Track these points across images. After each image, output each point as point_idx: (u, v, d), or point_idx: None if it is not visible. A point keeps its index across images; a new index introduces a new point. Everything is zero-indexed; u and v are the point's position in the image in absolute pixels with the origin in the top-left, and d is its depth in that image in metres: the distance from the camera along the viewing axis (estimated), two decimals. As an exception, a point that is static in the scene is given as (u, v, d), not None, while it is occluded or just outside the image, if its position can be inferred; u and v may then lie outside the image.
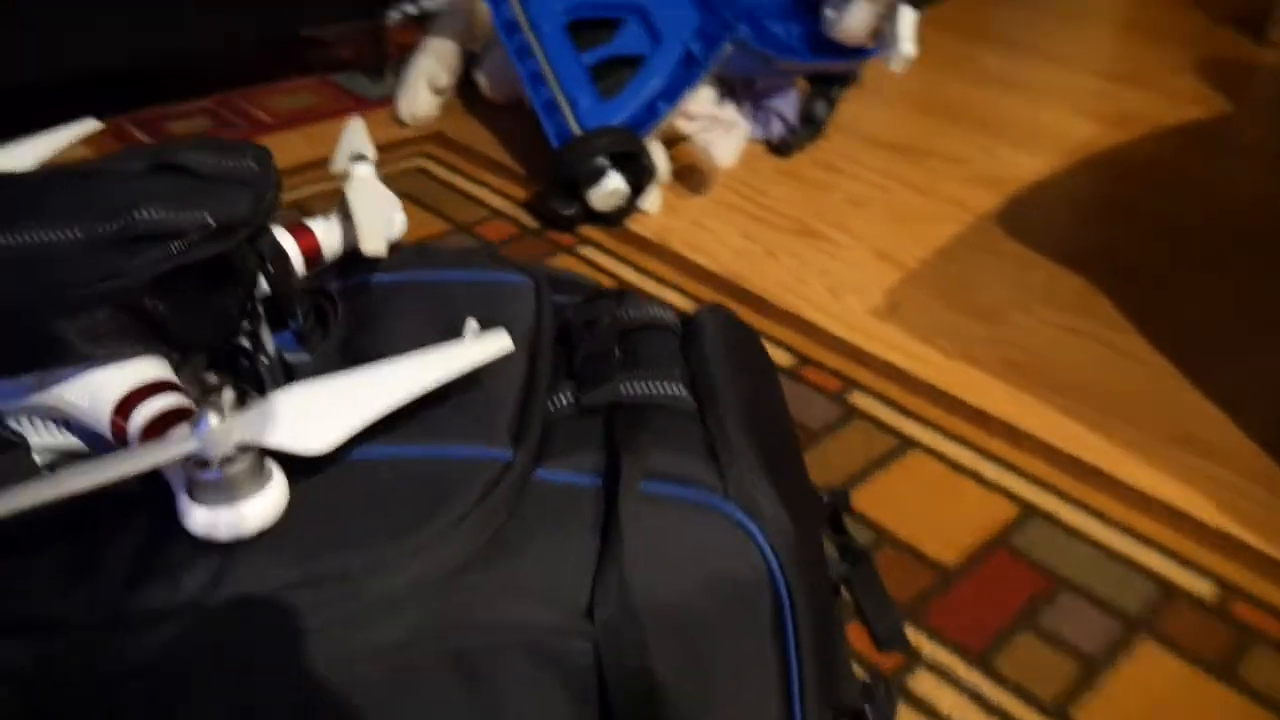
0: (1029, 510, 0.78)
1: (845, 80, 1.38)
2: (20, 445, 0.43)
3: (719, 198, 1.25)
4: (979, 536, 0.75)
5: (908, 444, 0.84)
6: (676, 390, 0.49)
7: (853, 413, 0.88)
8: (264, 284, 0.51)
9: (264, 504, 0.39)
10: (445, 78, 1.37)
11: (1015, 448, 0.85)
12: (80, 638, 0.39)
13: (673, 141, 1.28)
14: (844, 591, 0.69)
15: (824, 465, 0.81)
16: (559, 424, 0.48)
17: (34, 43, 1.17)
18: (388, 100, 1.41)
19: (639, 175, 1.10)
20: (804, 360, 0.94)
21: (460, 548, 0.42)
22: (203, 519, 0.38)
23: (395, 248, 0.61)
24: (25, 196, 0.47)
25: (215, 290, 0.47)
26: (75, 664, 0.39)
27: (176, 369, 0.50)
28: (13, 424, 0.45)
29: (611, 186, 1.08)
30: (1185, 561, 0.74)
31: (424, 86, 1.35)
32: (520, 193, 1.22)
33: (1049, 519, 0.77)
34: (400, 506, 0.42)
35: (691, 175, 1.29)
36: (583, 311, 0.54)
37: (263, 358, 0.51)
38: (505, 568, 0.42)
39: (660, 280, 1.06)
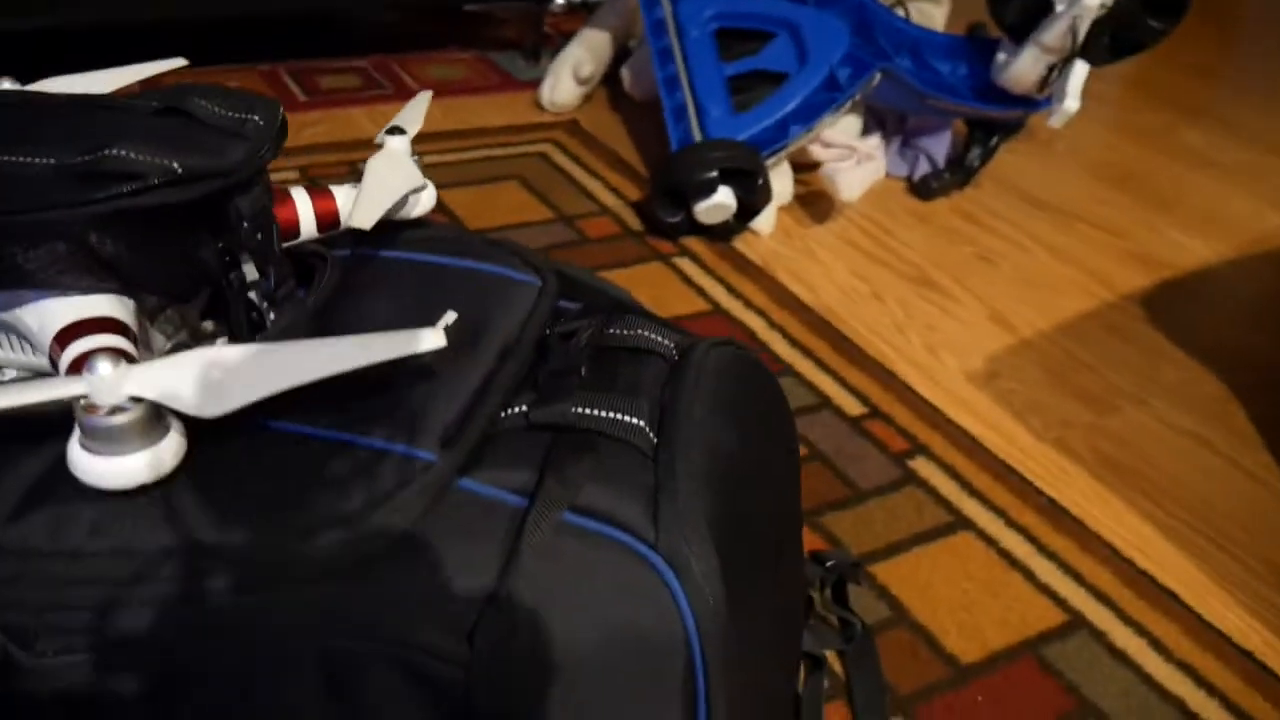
0: (1076, 621, 0.70)
1: (1009, 129, 1.30)
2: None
3: (840, 231, 1.19)
4: (1009, 638, 0.68)
5: (962, 523, 0.77)
6: (635, 422, 0.45)
7: (910, 478, 0.81)
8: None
9: (152, 459, 0.38)
10: (590, 68, 1.36)
11: (1081, 550, 0.76)
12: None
13: (804, 166, 1.23)
14: (840, 667, 0.64)
15: (863, 528, 0.75)
16: (503, 435, 0.45)
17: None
18: (537, 84, 1.41)
19: (751, 194, 1.06)
20: (874, 412, 0.88)
21: (349, 542, 0.39)
22: (85, 464, 0.38)
23: (421, 225, 0.60)
24: (34, 117, 0.48)
25: (185, 240, 0.46)
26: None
27: (156, 314, 0.50)
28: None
29: (719, 201, 1.05)
30: (1246, 721, 0.65)
31: (568, 74, 1.35)
32: (634, 193, 1.19)
33: (1097, 635, 0.69)
34: (297, 487, 0.40)
35: (817, 203, 1.23)
36: (568, 322, 0.51)
37: (242, 314, 0.50)
38: (397, 572, 0.40)
39: (748, 304, 1.01)
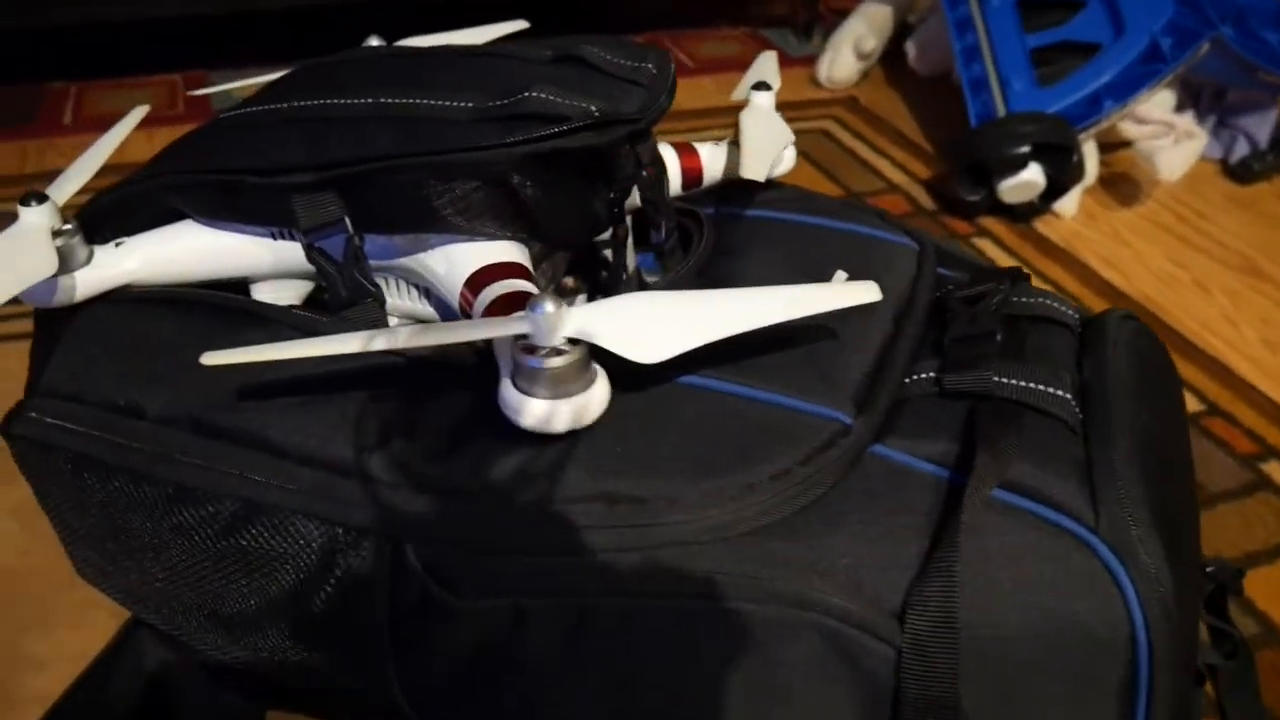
0: None
1: (1343, 106, 1.16)
2: (376, 298, 0.44)
3: (1149, 214, 1.10)
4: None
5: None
6: (1061, 394, 0.41)
7: (1264, 483, 0.73)
8: (635, 196, 0.49)
9: (581, 405, 0.37)
10: (872, 42, 1.31)
11: None
12: (379, 493, 0.39)
13: (1111, 145, 1.14)
14: (1208, 684, 0.57)
15: (1215, 535, 0.68)
16: (912, 402, 0.42)
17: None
18: (810, 60, 1.38)
19: (1062, 172, 0.99)
20: (1214, 410, 0.80)
21: (769, 506, 0.37)
22: (516, 403, 0.37)
23: (778, 186, 0.57)
24: (424, 64, 0.49)
25: (587, 187, 0.46)
26: (367, 514, 0.39)
27: (536, 263, 0.49)
28: (379, 279, 0.46)
29: (1027, 178, 0.98)
30: None
31: (849, 49, 1.30)
32: (923, 171, 1.14)
33: None
34: (716, 446, 0.39)
35: (1122, 184, 1.14)
36: (967, 286, 0.47)
37: (622, 270, 0.49)
38: (814, 540, 0.38)
39: (1058, 289, 0.94)
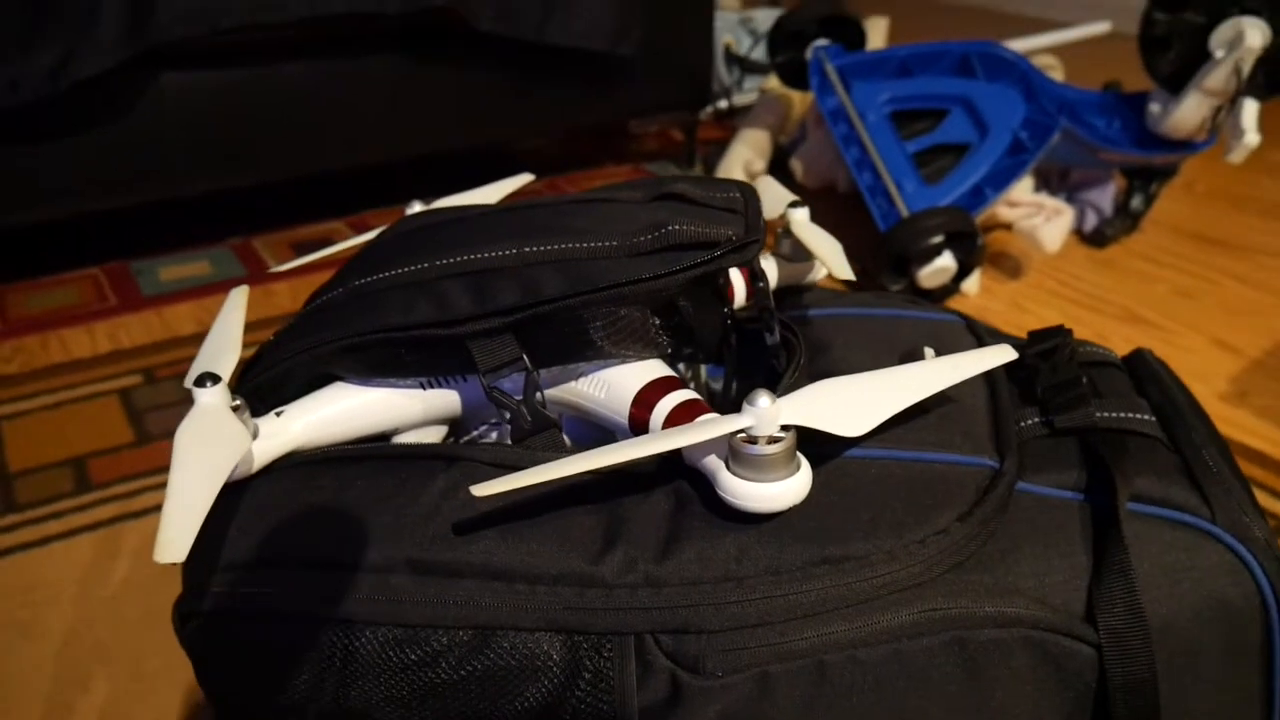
0: None
1: (1166, 174, 1.36)
2: (557, 425, 0.48)
3: (1036, 283, 1.24)
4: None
5: (1288, 529, 0.80)
6: (1149, 418, 0.50)
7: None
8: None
9: (796, 484, 0.42)
10: (759, 164, 1.44)
11: None
12: (617, 596, 0.43)
13: (988, 228, 1.29)
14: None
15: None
16: (1030, 444, 0.50)
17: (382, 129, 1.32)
18: (699, 187, 1.49)
19: (969, 255, 1.12)
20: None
21: (961, 544, 0.43)
22: (743, 490, 0.42)
23: (815, 289, 0.65)
24: (545, 217, 0.54)
25: (719, 304, 0.52)
26: (611, 618, 0.43)
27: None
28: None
29: (942, 264, 1.10)
30: None
31: (740, 172, 1.42)
32: (840, 271, 1.25)
33: None
34: (900, 504, 0.45)
35: (1006, 261, 1.29)
36: (1033, 343, 0.55)
37: (734, 371, 0.55)
38: (1002, 569, 0.44)
39: (993, 356, 1.06)
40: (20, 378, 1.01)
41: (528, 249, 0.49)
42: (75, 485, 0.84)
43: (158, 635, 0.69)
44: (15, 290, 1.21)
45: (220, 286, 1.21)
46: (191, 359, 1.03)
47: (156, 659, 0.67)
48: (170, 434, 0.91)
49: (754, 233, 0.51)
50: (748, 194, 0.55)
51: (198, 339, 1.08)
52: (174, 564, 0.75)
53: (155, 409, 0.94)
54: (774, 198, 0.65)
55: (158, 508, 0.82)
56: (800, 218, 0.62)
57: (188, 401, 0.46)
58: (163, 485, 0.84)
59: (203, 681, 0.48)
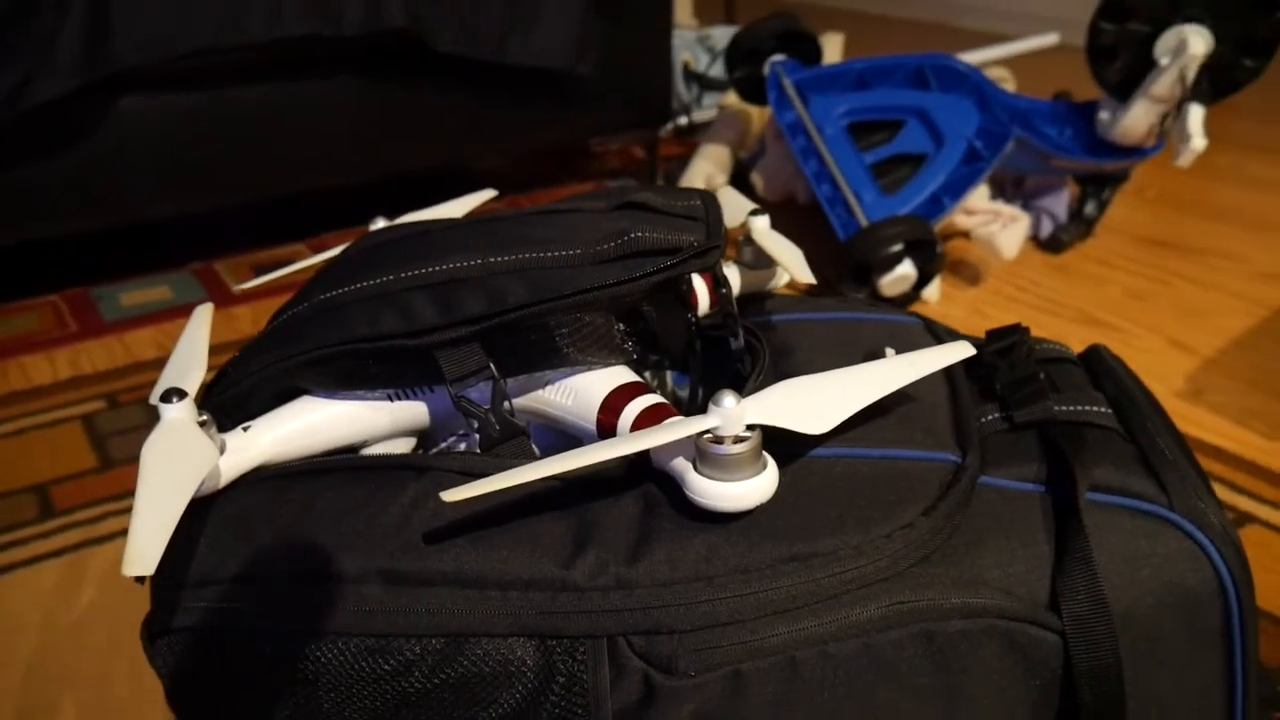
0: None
1: (1118, 180, 1.39)
2: (525, 433, 0.49)
3: (994, 289, 1.27)
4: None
5: (1244, 518, 0.82)
6: (1105, 410, 0.51)
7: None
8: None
9: (762, 483, 0.43)
10: (721, 178, 1.45)
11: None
12: (589, 599, 0.43)
13: (946, 236, 1.31)
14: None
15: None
16: (991, 438, 0.51)
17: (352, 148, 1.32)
18: (661, 202, 1.50)
19: (928, 263, 1.14)
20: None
21: (926, 538, 0.44)
22: (711, 490, 0.43)
23: (776, 296, 0.66)
24: (508, 228, 0.54)
25: (682, 310, 0.52)
26: (583, 621, 0.43)
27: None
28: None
29: (902, 272, 1.12)
30: None
31: (702, 186, 1.44)
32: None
33: None
34: (865, 500, 0.45)
35: (964, 268, 1.31)
36: (991, 342, 0.56)
37: (701, 376, 0.56)
38: (967, 561, 0.45)
39: (955, 361, 1.07)
40: (-21, 406, 1.00)
41: (492, 259, 0.50)
42: (39, 512, 0.83)
43: (124, 661, 0.68)
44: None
45: (182, 311, 1.20)
46: (154, 384, 1.02)
47: (124, 685, 0.66)
48: (135, 458, 0.90)
49: (715, 238, 0.52)
50: (708, 201, 0.55)
51: (160, 364, 1.07)
52: (140, 588, 0.74)
53: (118, 434, 0.93)
54: (735, 207, 0.66)
55: (123, 533, 0.81)
56: (761, 225, 0.63)
57: (154, 420, 0.46)
58: (127, 510, 0.83)
59: (172, 700, 0.47)
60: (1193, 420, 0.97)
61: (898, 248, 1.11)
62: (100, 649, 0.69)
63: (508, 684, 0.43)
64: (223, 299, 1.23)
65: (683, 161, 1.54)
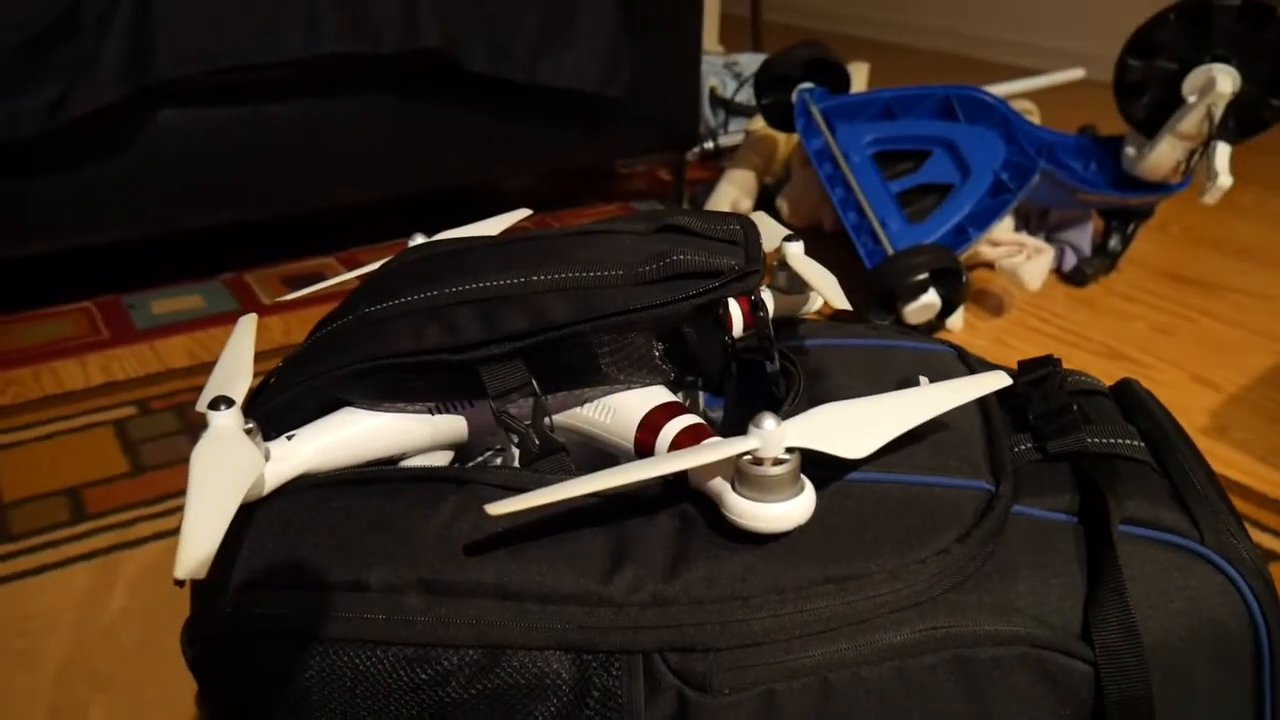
0: None
1: (1143, 215, 1.39)
2: (565, 449, 0.49)
3: (1018, 320, 1.27)
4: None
5: (1268, 555, 0.82)
6: (1138, 444, 0.51)
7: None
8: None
9: (800, 505, 0.44)
10: (746, 203, 1.46)
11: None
12: (625, 615, 0.44)
13: (971, 266, 1.32)
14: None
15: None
16: (1024, 468, 0.51)
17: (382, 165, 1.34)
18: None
19: (954, 292, 1.14)
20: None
21: (961, 564, 0.45)
22: (750, 511, 0.43)
23: (806, 321, 0.67)
24: (550, 247, 0.55)
25: (720, 332, 0.53)
26: (619, 637, 0.43)
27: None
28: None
29: (927, 301, 1.13)
30: None
31: (729, 210, 1.45)
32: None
33: None
34: (901, 525, 0.46)
35: (988, 298, 1.31)
36: (1023, 372, 0.57)
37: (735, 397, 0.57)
38: (1000, 588, 0.45)
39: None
40: (13, 409, 1.01)
41: (535, 278, 0.51)
42: (71, 515, 0.84)
43: (155, 664, 0.69)
44: (7, 323, 1.21)
45: (213, 320, 1.22)
46: (185, 391, 1.04)
47: (154, 688, 0.67)
48: (166, 464, 0.91)
49: (755, 263, 0.52)
50: (747, 226, 0.56)
51: (191, 371, 1.09)
52: (173, 592, 0.75)
53: (150, 440, 0.94)
54: (768, 232, 0.66)
55: (155, 537, 0.82)
56: (795, 251, 0.64)
57: (190, 429, 0.47)
58: (159, 515, 0.84)
59: (209, 705, 0.48)
60: (1217, 457, 0.97)
61: (923, 276, 1.11)
62: (132, 651, 0.70)
63: (543, 697, 0.44)
64: (254, 309, 1.24)
65: (709, 186, 1.55)
